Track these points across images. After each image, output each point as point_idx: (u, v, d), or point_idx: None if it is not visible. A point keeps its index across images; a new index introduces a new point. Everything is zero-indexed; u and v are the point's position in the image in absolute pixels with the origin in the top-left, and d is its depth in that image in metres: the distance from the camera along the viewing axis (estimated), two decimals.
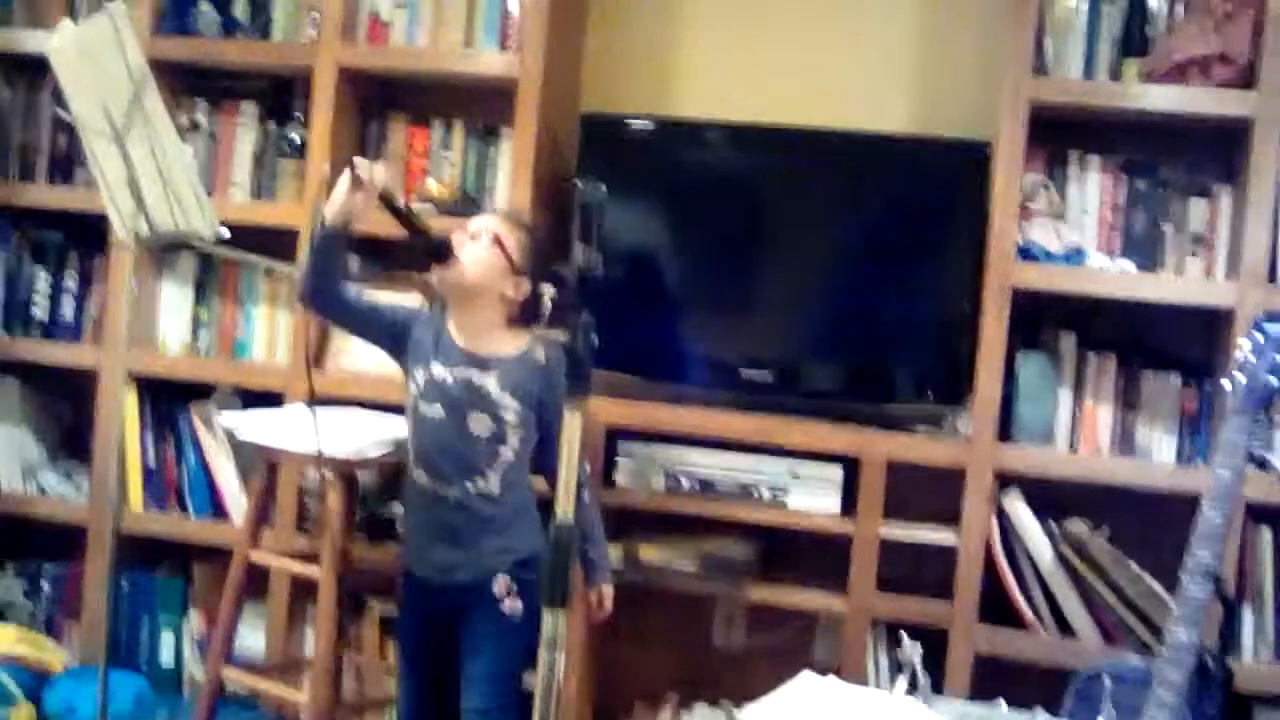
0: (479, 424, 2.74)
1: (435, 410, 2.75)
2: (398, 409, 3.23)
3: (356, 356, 3.59)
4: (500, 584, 2.74)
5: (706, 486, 3.34)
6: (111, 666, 3.62)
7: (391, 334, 2.84)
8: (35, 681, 3.51)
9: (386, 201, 2.74)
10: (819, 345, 3.45)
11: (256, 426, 3.14)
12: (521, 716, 2.74)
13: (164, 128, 2.77)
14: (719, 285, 3.46)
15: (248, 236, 3.62)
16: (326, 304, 2.83)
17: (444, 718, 2.82)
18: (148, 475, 3.72)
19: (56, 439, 4.00)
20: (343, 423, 3.21)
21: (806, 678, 2.37)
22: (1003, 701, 2.23)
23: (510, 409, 2.75)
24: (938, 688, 3.01)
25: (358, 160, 2.69)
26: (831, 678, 2.37)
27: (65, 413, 4.00)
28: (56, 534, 3.78)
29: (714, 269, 3.47)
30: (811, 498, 3.30)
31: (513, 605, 2.75)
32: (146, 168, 2.72)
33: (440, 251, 2.74)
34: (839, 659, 3.22)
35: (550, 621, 1.92)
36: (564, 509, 1.95)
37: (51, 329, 3.86)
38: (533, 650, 2.72)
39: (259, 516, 3.18)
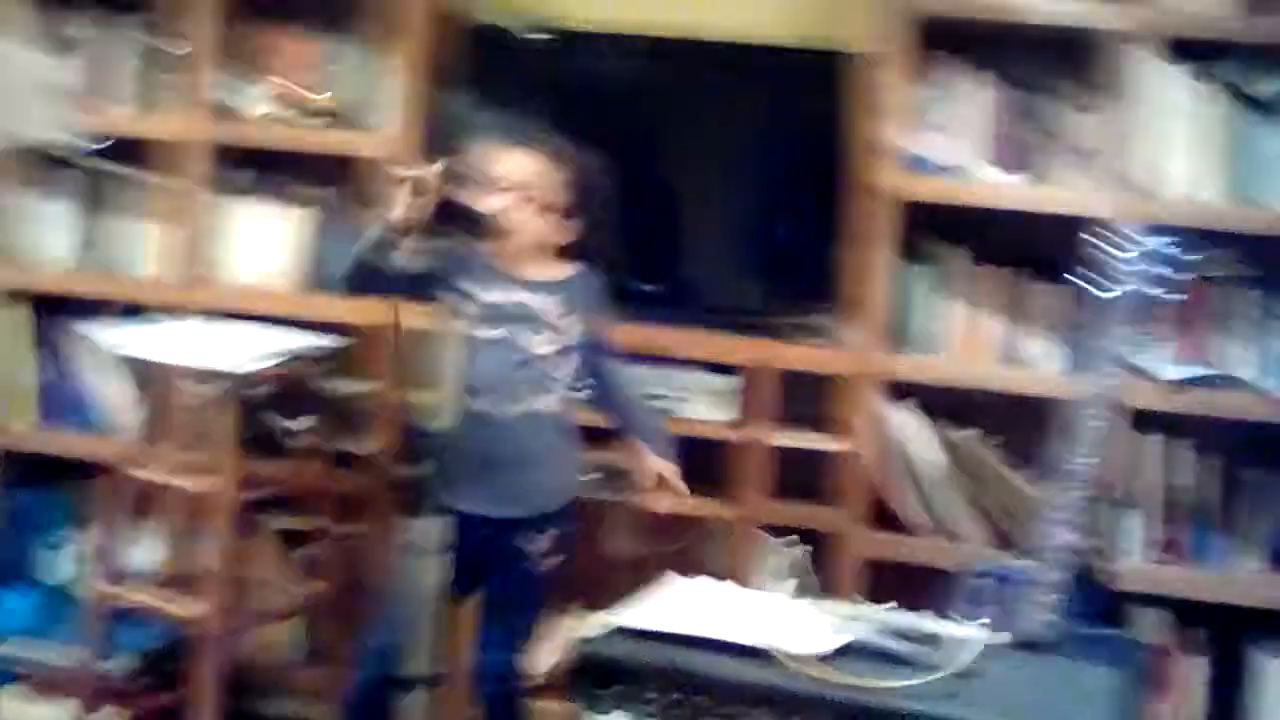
0: (539, 343, 2.75)
1: (497, 332, 2.74)
2: (286, 321, 3.23)
3: (240, 270, 3.55)
4: (541, 541, 2.78)
5: None
6: (8, 584, 3.63)
7: (438, 285, 2.80)
8: None
9: (447, 200, 2.69)
10: (710, 258, 3.47)
11: (142, 342, 3.11)
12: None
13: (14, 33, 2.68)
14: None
15: (133, 150, 3.59)
16: (375, 289, 2.81)
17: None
18: (41, 392, 3.67)
19: None
20: (230, 337, 3.19)
21: (691, 580, 2.41)
22: (887, 603, 2.29)
23: (566, 329, 2.79)
24: (827, 591, 3.09)
25: (409, 171, 2.65)
26: (715, 580, 2.41)
27: None
28: None
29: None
30: (704, 408, 3.33)
31: (553, 563, 2.80)
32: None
33: (490, 226, 2.72)
34: (731, 565, 3.28)
35: (420, 529, 1.92)
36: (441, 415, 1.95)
37: None
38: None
39: (148, 432, 3.15)
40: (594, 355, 2.89)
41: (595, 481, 3.32)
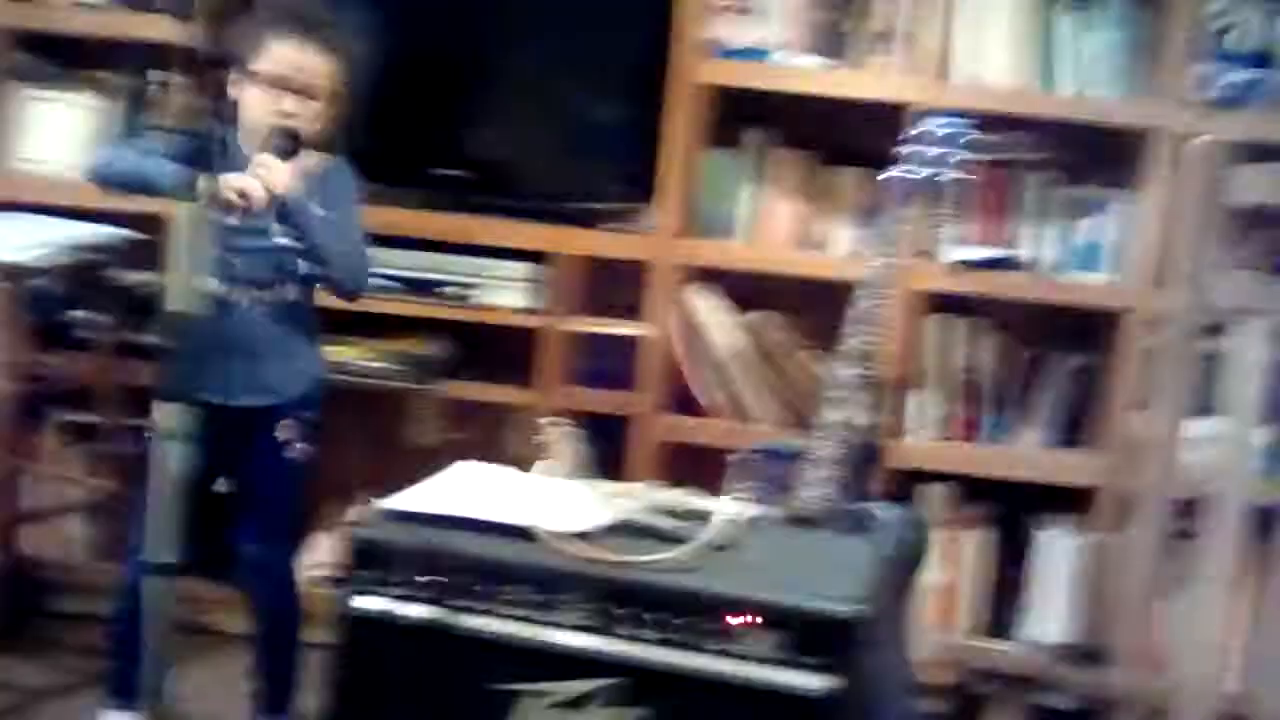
0: (279, 232, 2.60)
1: (234, 217, 2.52)
2: (76, 214, 3.12)
3: (36, 160, 3.43)
4: (285, 429, 2.69)
5: (401, 285, 3.32)
6: None
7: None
8: None
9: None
10: (513, 142, 3.42)
11: None
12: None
13: None
14: (412, 81, 3.38)
15: None
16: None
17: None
18: None
19: None
20: (19, 228, 3.09)
21: (468, 465, 2.41)
22: (659, 482, 2.30)
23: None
24: (622, 476, 3.12)
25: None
26: (501, 466, 2.41)
27: None
28: None
29: (407, 65, 3.39)
30: (505, 294, 3.31)
31: (302, 450, 2.72)
32: None
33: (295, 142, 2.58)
34: (529, 452, 3.29)
35: (167, 413, 1.89)
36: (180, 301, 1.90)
37: None
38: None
39: None
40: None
41: (394, 369, 3.30)
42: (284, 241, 2.61)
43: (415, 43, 3.37)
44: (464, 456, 3.42)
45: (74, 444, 3.45)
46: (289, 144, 2.55)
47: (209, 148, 2.35)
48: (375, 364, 3.32)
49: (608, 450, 3.33)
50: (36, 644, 3.26)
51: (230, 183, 2.41)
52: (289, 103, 2.59)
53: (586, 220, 3.35)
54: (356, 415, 3.47)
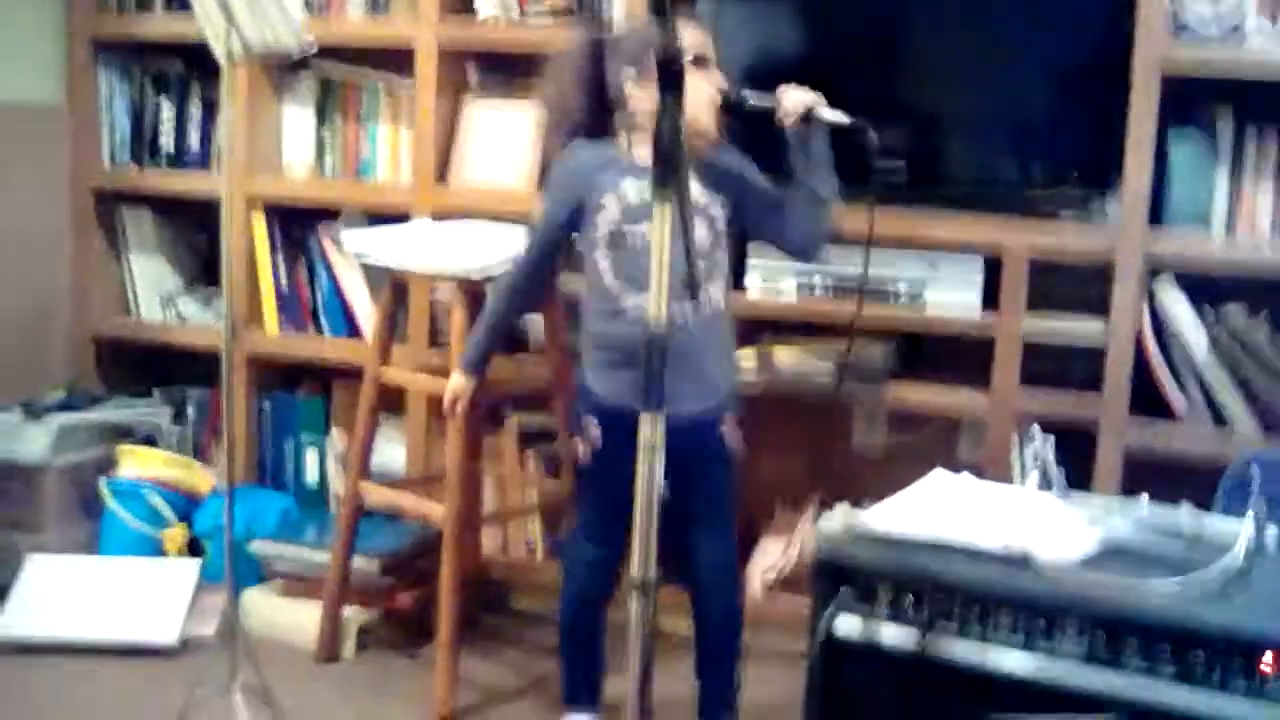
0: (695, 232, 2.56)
1: (644, 228, 2.57)
2: (523, 221, 3.18)
3: (478, 168, 3.52)
4: (729, 422, 2.73)
5: (840, 288, 3.23)
6: (260, 486, 3.73)
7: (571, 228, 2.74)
8: (186, 503, 3.61)
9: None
10: (956, 131, 3.27)
11: (380, 246, 3.11)
12: None
13: None
14: (846, 68, 3.27)
15: (365, 55, 3.59)
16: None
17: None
18: (281, 299, 3.73)
19: (195, 268, 4.04)
20: (467, 237, 3.17)
21: (939, 475, 2.28)
22: (1144, 496, 2.11)
23: (718, 212, 2.69)
24: (1086, 485, 2.91)
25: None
26: (965, 475, 2.27)
27: (201, 242, 4.03)
28: (199, 360, 3.83)
29: (840, 58, 3.30)
30: (951, 294, 3.16)
31: (739, 442, 2.75)
32: None
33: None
34: (984, 459, 3.13)
35: (648, 427, 1.84)
36: (656, 314, 1.85)
37: (179, 159, 3.87)
38: None
39: (388, 335, 3.16)
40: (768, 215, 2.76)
41: (834, 374, 3.21)
42: (705, 243, 2.63)
43: (847, 25, 3.28)
44: (913, 463, 3.33)
45: (531, 446, 3.53)
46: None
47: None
48: (814, 368, 3.23)
49: (1069, 460, 3.14)
50: (494, 643, 3.36)
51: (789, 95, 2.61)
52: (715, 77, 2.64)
53: (1040, 213, 3.15)
54: (800, 419, 3.41)
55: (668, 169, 1.75)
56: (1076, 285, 3.12)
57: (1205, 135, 3.08)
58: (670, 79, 1.79)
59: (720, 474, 2.75)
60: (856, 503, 3.36)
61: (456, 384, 2.87)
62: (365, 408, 3.16)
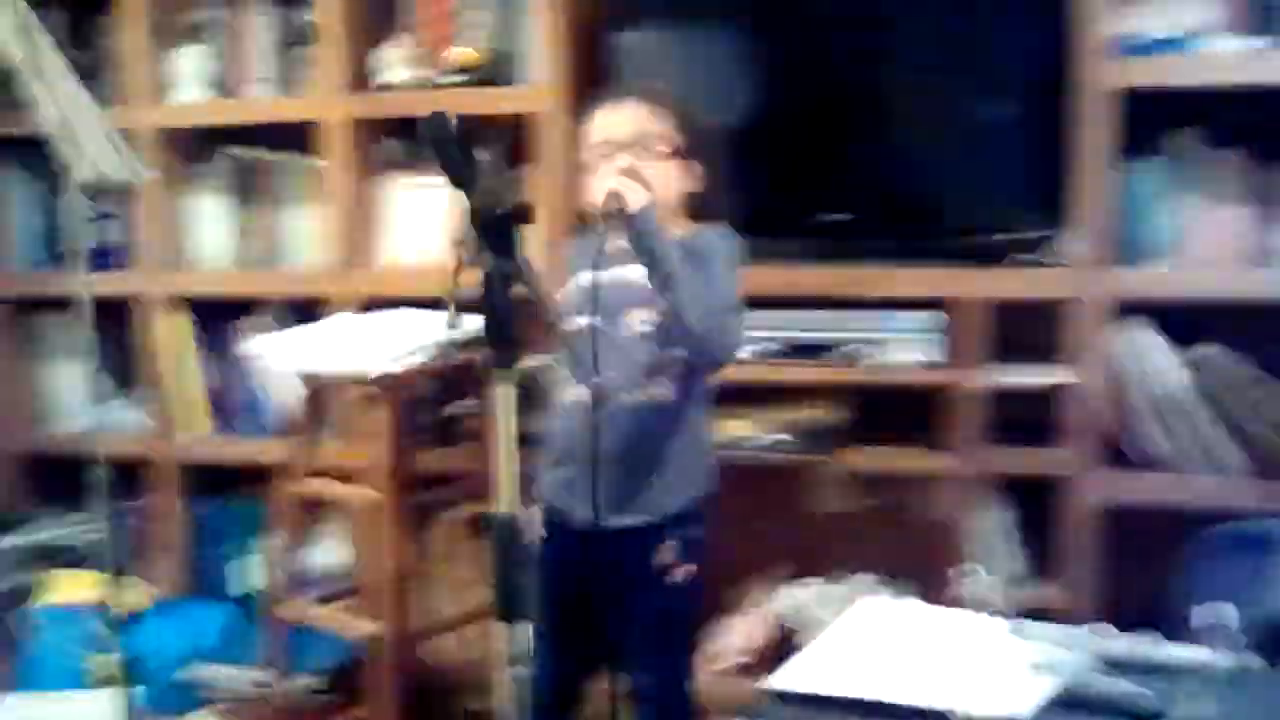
0: (637, 320, 2.36)
1: (582, 320, 2.34)
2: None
3: (402, 249, 3.33)
4: (665, 552, 2.38)
5: (789, 350, 3.02)
6: (199, 597, 3.53)
7: None
8: (120, 625, 3.40)
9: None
10: (901, 175, 3.06)
11: (295, 349, 2.91)
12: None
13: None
14: (786, 123, 3.09)
15: (275, 134, 3.41)
16: None
17: (584, 682, 2.54)
18: (214, 399, 3.55)
19: (122, 369, 3.84)
20: (388, 329, 2.97)
21: (871, 603, 2.05)
22: (1110, 626, 1.86)
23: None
24: (1050, 550, 2.72)
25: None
26: (905, 600, 2.05)
27: (126, 342, 3.83)
28: (126, 469, 3.64)
29: (778, 107, 3.10)
30: (904, 350, 2.96)
31: (685, 573, 2.40)
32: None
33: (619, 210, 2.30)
34: (952, 519, 2.93)
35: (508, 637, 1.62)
36: (505, 501, 1.61)
37: (100, 258, 3.67)
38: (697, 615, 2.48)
39: (307, 443, 2.96)
40: None
41: (788, 442, 3.01)
42: (648, 331, 2.36)
43: (785, 81, 3.09)
44: (881, 525, 3.14)
45: (467, 539, 3.31)
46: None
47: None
48: (768, 438, 3.03)
49: (1033, 517, 2.95)
50: None
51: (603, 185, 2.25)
52: (621, 160, 2.34)
53: (990, 256, 2.96)
54: (758, 488, 3.20)
55: (502, 344, 1.53)
56: (1038, 332, 2.92)
57: (1165, 160, 2.89)
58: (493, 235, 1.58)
59: (658, 602, 2.42)
60: (828, 573, 3.19)
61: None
62: (287, 522, 2.96)
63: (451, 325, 2.37)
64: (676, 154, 2.39)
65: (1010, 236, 2.98)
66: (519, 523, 1.62)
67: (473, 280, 1.74)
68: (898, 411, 3.07)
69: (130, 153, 2.54)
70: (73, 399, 3.75)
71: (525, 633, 1.63)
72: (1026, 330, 2.92)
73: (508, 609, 1.59)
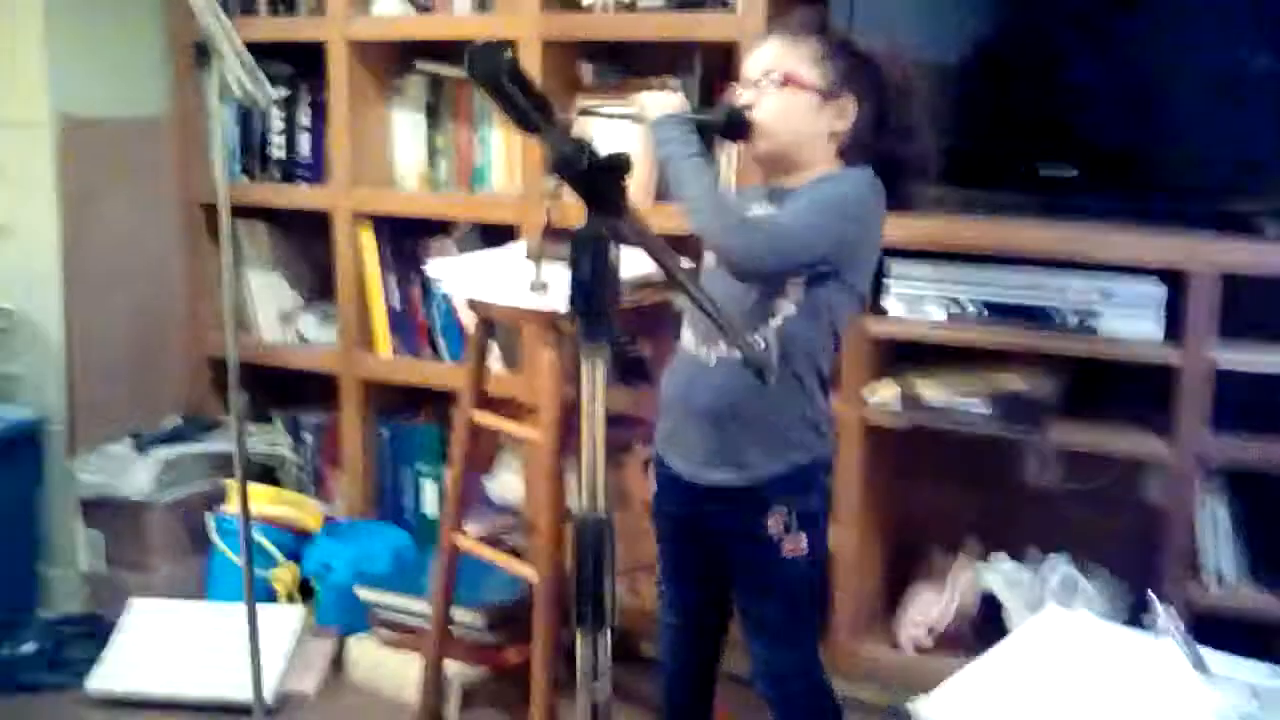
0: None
1: (707, 260, 2.26)
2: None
3: None
4: (775, 522, 2.22)
5: (996, 312, 2.79)
6: (376, 520, 3.51)
7: None
8: (295, 541, 3.40)
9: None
10: (1132, 127, 2.76)
11: (463, 276, 2.81)
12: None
13: None
14: (1005, 60, 2.83)
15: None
16: None
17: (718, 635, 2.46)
18: (394, 319, 3.48)
19: (313, 282, 3.82)
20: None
21: (1052, 614, 1.86)
22: None
23: None
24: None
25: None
26: (1082, 614, 1.85)
27: (319, 255, 3.80)
28: (316, 381, 3.62)
29: (1002, 41, 2.85)
30: (1125, 321, 2.69)
31: (793, 548, 2.24)
32: None
33: (739, 126, 2.24)
34: (1169, 505, 2.68)
35: (585, 650, 1.47)
36: (589, 498, 1.45)
37: (291, 169, 3.63)
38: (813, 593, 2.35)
39: (480, 373, 2.86)
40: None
41: (986, 413, 2.78)
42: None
43: (1010, 14, 2.84)
44: (1087, 506, 2.90)
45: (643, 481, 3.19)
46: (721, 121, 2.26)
47: None
48: (964, 404, 2.81)
49: (1261, 513, 2.68)
50: (618, 701, 3.04)
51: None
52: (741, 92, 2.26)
53: (1230, 224, 2.66)
54: (952, 455, 3.00)
55: (590, 314, 1.37)
56: (1273, 308, 2.63)
57: None
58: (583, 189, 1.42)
59: (763, 573, 2.26)
60: (1017, 553, 2.98)
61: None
62: (458, 453, 2.87)
63: (536, 288, 2.31)
64: (822, 92, 2.21)
65: (1257, 205, 2.67)
66: (607, 524, 1.46)
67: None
68: (1116, 388, 2.82)
69: (258, 73, 2.45)
70: (268, 309, 3.73)
71: (607, 643, 1.50)
72: (1261, 308, 2.63)
73: (591, 617, 1.44)
